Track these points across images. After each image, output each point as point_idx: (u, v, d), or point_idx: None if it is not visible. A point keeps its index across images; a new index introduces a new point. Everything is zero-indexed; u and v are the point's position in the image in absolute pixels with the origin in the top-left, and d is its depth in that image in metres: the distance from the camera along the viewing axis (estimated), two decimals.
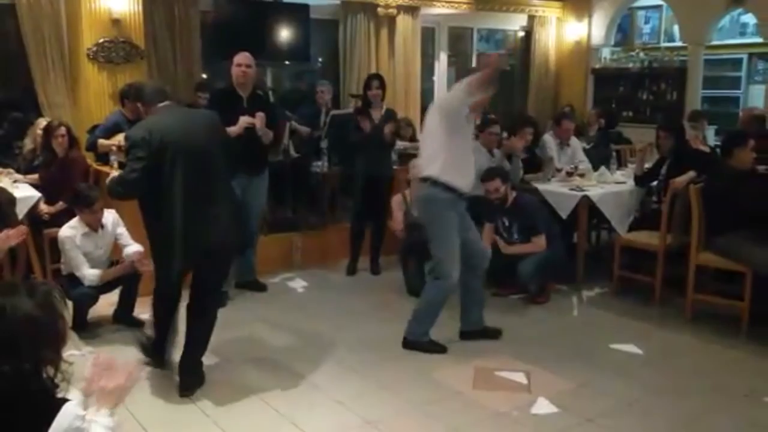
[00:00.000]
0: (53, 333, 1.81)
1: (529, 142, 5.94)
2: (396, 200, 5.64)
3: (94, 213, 4.38)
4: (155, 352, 3.89)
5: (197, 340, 3.70)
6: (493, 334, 4.41)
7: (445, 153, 4.00)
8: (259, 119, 4.89)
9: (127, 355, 4.13)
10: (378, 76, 5.96)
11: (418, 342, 4.23)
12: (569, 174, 5.84)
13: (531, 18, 9.93)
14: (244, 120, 4.84)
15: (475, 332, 4.37)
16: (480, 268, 4.30)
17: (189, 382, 3.66)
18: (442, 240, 4.08)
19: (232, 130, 4.66)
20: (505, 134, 5.79)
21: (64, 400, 1.78)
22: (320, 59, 8.89)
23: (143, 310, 4.74)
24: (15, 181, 5.18)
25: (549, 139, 6.20)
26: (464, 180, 4.09)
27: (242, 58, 5.03)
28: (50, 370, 1.80)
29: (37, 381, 1.77)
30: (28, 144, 5.71)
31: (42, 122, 5.65)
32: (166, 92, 3.67)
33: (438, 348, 4.22)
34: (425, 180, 4.08)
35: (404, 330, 4.27)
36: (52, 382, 1.80)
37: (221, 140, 3.70)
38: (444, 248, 4.08)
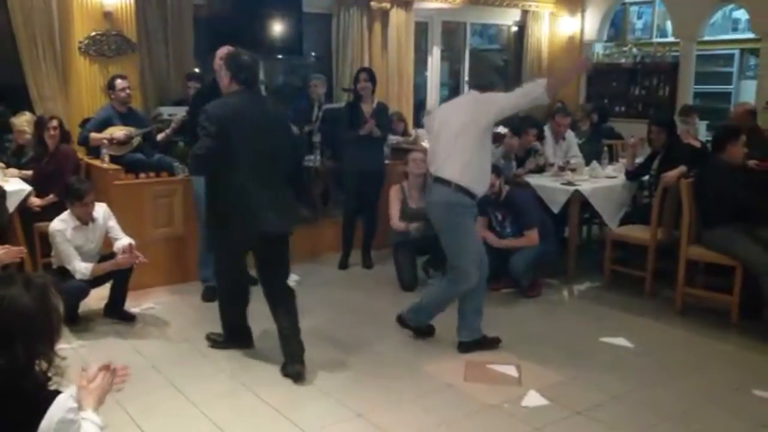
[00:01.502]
0: (48, 327, 1.81)
1: (531, 143, 6.06)
2: (394, 191, 5.56)
3: (84, 206, 4.36)
4: (238, 338, 4.09)
5: (291, 326, 3.81)
6: (492, 343, 4.17)
7: (472, 157, 3.86)
8: None
9: (116, 348, 4.14)
10: (366, 69, 5.96)
11: (411, 326, 4.30)
12: (561, 169, 5.87)
13: (524, 13, 9.93)
14: None
15: (474, 342, 4.12)
16: (482, 276, 4.07)
17: (297, 368, 3.76)
18: (463, 247, 3.94)
19: None
20: (506, 130, 5.83)
21: (57, 393, 1.78)
22: (313, 53, 8.87)
23: (134, 304, 4.76)
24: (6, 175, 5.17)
25: (546, 133, 6.25)
26: (482, 187, 4.01)
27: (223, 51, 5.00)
28: (44, 364, 1.79)
29: (31, 375, 1.77)
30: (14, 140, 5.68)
31: (22, 119, 5.60)
32: (249, 76, 3.71)
33: (428, 329, 4.30)
34: (445, 183, 3.89)
35: (402, 311, 4.32)
36: (45, 376, 1.80)
37: (288, 130, 3.94)
38: (464, 255, 3.94)
